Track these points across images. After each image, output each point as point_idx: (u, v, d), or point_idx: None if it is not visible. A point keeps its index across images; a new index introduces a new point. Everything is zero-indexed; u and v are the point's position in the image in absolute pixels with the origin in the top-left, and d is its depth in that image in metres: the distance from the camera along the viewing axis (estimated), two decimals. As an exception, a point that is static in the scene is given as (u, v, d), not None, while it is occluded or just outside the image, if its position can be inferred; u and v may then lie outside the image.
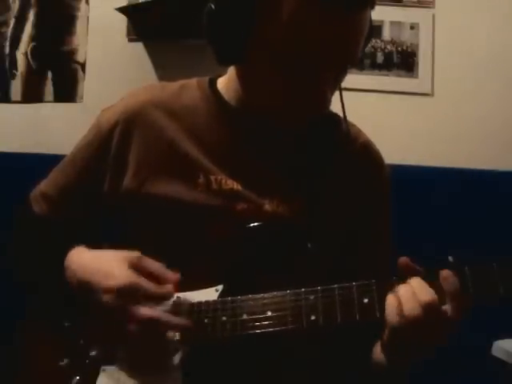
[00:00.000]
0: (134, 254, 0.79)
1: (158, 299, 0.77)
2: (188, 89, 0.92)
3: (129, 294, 0.74)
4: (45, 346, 0.85)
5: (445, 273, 0.69)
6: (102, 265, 0.78)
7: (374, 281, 0.72)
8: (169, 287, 0.77)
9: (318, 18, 0.72)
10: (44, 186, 0.94)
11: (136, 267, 0.77)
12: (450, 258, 0.72)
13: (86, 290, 0.77)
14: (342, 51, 0.75)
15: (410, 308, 0.67)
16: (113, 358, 0.80)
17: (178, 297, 0.81)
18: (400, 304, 0.68)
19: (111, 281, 0.75)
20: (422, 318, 0.67)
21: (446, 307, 0.68)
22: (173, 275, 0.78)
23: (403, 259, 0.72)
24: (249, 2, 0.75)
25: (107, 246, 0.85)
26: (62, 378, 0.81)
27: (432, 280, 0.69)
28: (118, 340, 0.78)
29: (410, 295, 0.68)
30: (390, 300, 0.70)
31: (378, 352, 0.79)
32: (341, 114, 0.89)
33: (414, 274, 0.70)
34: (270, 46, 0.75)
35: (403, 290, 0.69)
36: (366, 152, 0.94)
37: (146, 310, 0.74)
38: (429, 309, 0.67)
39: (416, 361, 0.75)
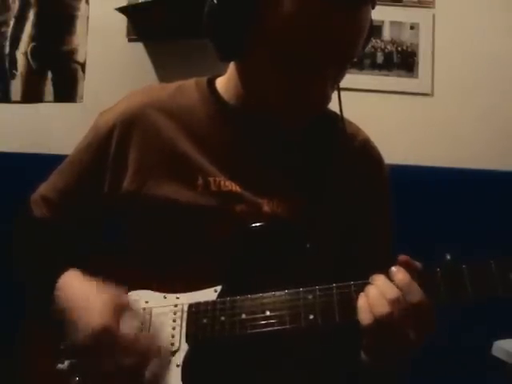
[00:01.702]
0: (121, 298, 0.78)
1: (130, 346, 0.74)
2: (186, 89, 0.92)
3: (101, 338, 0.73)
4: (45, 347, 0.85)
5: (393, 268, 0.71)
6: (86, 301, 0.77)
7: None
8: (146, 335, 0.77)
9: (317, 16, 0.72)
10: (44, 189, 0.94)
11: (120, 310, 0.76)
12: (448, 256, 0.72)
13: (68, 322, 0.78)
14: (341, 49, 0.75)
15: (379, 306, 0.69)
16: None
17: (177, 297, 0.81)
18: (370, 304, 0.69)
19: (88, 320, 0.74)
20: (390, 314, 0.68)
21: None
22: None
23: (403, 257, 0.73)
24: None
25: (107, 246, 0.85)
26: (62, 378, 0.81)
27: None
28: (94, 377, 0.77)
29: (378, 294, 0.70)
30: (360, 302, 0.71)
31: (363, 356, 0.79)
32: (339, 113, 0.89)
33: (413, 271, 0.71)
34: (270, 44, 0.75)
35: (371, 290, 0.71)
36: (365, 150, 0.94)
37: (114, 359, 0.72)
38: (395, 305, 0.68)
39: (401, 360, 0.75)
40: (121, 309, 0.76)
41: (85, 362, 0.77)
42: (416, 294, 0.69)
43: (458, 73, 1.86)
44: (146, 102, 0.90)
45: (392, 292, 0.69)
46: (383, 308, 0.68)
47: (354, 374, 0.86)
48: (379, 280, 0.71)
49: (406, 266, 0.72)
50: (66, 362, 0.81)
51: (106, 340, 0.73)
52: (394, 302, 0.68)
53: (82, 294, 0.80)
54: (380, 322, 0.68)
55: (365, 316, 0.70)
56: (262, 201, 0.84)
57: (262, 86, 0.81)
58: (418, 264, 0.73)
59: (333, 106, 0.89)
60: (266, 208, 0.84)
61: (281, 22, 0.73)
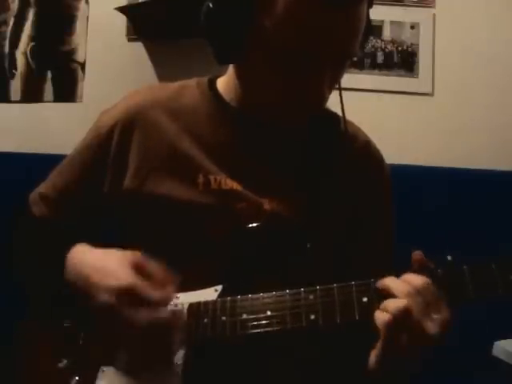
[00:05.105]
0: (137, 255, 0.77)
1: (157, 303, 0.75)
2: (187, 89, 0.92)
3: (127, 296, 0.73)
4: (44, 346, 0.85)
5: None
6: (103, 263, 0.77)
7: (373, 280, 0.72)
8: (168, 291, 0.76)
9: (309, 16, 0.72)
10: (43, 188, 0.94)
11: (138, 269, 0.75)
12: (449, 257, 0.72)
13: (85, 287, 0.76)
14: (335, 48, 0.75)
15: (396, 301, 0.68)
16: (111, 359, 0.79)
17: (177, 297, 0.81)
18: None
19: (111, 280, 0.74)
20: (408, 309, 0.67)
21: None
22: (173, 278, 0.77)
23: (417, 253, 0.72)
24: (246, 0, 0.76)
25: (106, 246, 0.84)
26: (61, 378, 0.81)
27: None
28: (116, 342, 0.78)
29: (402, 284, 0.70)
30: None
31: (372, 361, 0.76)
32: (340, 114, 0.89)
33: (426, 268, 0.71)
34: (265, 45, 0.76)
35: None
36: (366, 151, 0.94)
37: (144, 314, 0.72)
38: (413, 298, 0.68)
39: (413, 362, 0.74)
40: (140, 267, 0.75)
41: (106, 326, 0.76)
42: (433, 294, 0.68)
43: (457, 73, 1.86)
44: (147, 102, 0.90)
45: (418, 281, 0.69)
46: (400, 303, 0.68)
47: (354, 376, 0.85)
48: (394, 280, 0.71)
49: (420, 263, 0.72)
50: (66, 361, 0.81)
51: (133, 298, 0.72)
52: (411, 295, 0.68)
53: (97, 257, 0.79)
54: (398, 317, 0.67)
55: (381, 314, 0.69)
56: (262, 199, 0.84)
57: (259, 86, 0.81)
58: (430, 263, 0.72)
59: (334, 106, 0.89)
60: (267, 207, 0.84)
61: (276, 23, 0.74)
